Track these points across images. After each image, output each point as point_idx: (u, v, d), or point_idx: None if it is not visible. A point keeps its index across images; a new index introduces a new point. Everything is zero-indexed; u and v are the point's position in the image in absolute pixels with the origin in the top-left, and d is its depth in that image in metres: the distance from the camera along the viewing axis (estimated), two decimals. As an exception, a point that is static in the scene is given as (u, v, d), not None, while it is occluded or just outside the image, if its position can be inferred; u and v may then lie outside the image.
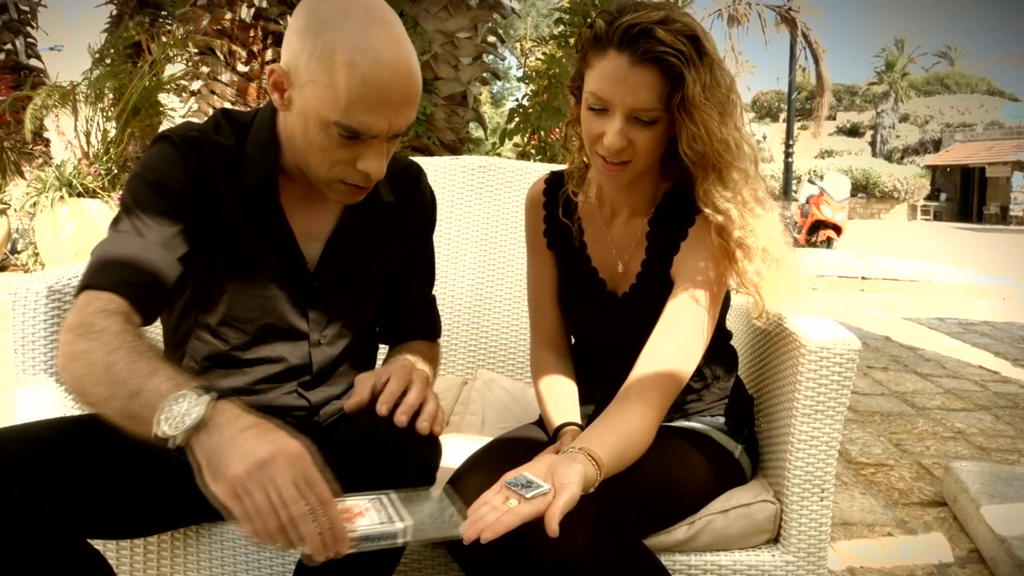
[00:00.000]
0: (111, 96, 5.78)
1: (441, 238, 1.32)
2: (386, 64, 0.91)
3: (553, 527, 0.83)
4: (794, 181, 13.79)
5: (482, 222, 1.85)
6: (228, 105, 5.35)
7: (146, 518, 1.03)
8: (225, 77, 5.54)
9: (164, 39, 5.91)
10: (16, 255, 6.12)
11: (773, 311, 1.22)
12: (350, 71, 0.90)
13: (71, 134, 5.75)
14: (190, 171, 1.01)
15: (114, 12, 8.71)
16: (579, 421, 1.19)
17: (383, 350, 1.30)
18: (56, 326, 1.15)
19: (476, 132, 7.48)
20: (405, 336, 1.25)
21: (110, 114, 5.74)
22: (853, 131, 40.98)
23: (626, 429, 1.02)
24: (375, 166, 0.98)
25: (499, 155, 6.34)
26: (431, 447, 1.02)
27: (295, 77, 0.94)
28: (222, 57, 5.54)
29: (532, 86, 6.45)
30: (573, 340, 1.34)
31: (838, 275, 7.38)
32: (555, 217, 1.29)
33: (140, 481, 0.99)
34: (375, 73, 0.90)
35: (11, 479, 0.83)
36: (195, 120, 1.13)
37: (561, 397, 1.23)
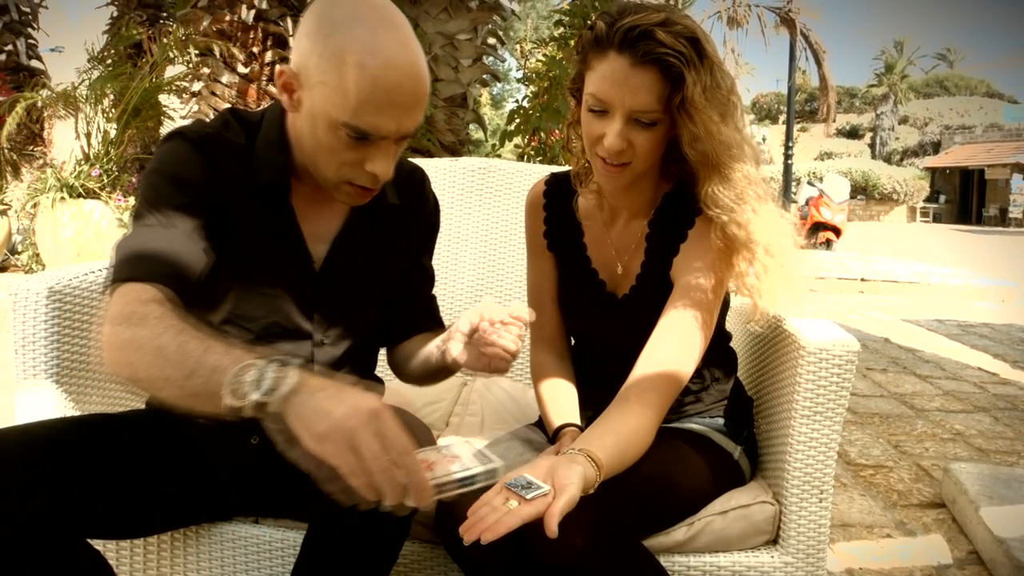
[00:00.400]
0: (111, 97, 5.78)
1: (441, 239, 1.32)
2: (395, 66, 0.92)
3: (553, 528, 0.83)
4: (793, 183, 13.80)
5: (482, 224, 1.86)
6: (228, 106, 5.34)
7: (146, 518, 1.04)
8: (225, 78, 5.54)
9: (164, 40, 5.91)
10: (16, 256, 6.12)
11: (771, 313, 1.23)
12: (360, 73, 0.90)
13: (71, 135, 5.76)
14: (206, 167, 1.02)
15: (115, 13, 8.72)
16: (579, 422, 1.19)
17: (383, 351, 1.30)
18: (57, 327, 1.15)
19: (476, 134, 7.49)
20: (407, 334, 1.25)
21: (110, 115, 5.74)
22: (852, 133, 40.99)
23: (625, 430, 1.02)
24: (383, 168, 0.98)
25: (499, 157, 6.34)
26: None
27: (305, 78, 0.95)
28: (222, 58, 5.55)
29: (532, 88, 6.46)
30: (573, 341, 1.34)
31: (837, 277, 7.38)
32: (555, 219, 1.29)
33: (140, 481, 0.99)
34: (384, 75, 0.91)
35: (11, 479, 0.84)
36: (203, 119, 1.14)
37: (561, 398, 1.23)
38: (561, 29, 6.58)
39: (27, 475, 0.85)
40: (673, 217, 1.18)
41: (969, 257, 11.79)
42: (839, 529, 2.03)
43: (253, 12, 5.52)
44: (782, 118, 33.29)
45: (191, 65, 5.72)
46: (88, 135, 5.70)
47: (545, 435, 1.23)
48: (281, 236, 1.08)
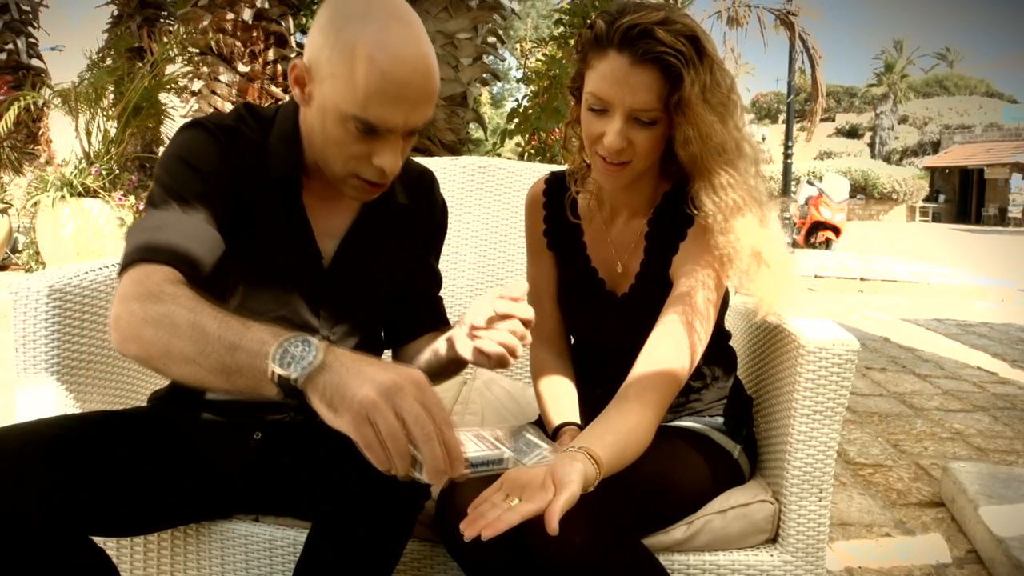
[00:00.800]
0: (111, 96, 5.79)
1: (441, 239, 1.32)
2: (405, 60, 0.93)
3: (553, 525, 0.83)
4: (793, 182, 13.79)
5: (482, 223, 1.86)
6: (229, 106, 5.35)
7: (147, 516, 1.04)
8: (226, 77, 5.54)
9: (165, 39, 5.91)
10: (17, 254, 6.12)
11: (773, 312, 1.23)
12: (369, 66, 0.91)
13: (71, 134, 5.76)
14: (223, 157, 1.03)
15: (115, 13, 8.72)
16: (578, 421, 1.19)
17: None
18: (57, 325, 1.15)
19: (476, 133, 7.49)
20: (413, 335, 1.25)
21: (110, 114, 5.75)
22: (852, 133, 41.00)
23: (625, 429, 1.03)
24: (390, 162, 0.99)
25: (499, 156, 6.34)
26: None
27: (316, 72, 0.96)
28: (221, 57, 5.55)
29: (532, 87, 6.46)
30: (572, 340, 1.34)
31: (837, 276, 7.39)
32: (555, 217, 1.29)
33: (141, 479, 1.00)
34: (394, 69, 0.92)
35: (14, 477, 0.84)
36: (219, 113, 1.15)
37: (560, 397, 1.23)
38: (561, 28, 6.58)
39: (29, 473, 0.85)
40: (673, 216, 1.18)
41: (968, 257, 11.80)
42: (838, 528, 2.03)
43: (253, 11, 5.52)
44: (782, 117, 33.28)
45: (192, 63, 5.72)
46: (88, 134, 5.70)
47: (545, 434, 1.23)
48: (291, 232, 1.09)
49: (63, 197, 5.23)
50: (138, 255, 0.94)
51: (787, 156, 12.75)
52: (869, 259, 9.58)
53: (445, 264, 1.56)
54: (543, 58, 6.54)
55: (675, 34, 1.03)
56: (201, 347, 0.81)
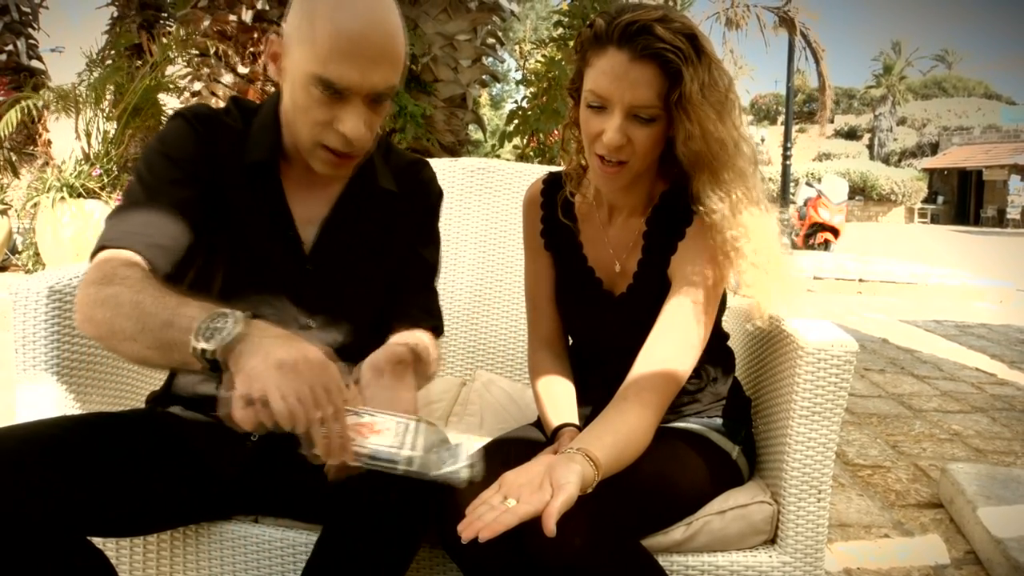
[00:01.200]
0: (111, 96, 5.78)
1: (441, 239, 1.32)
2: (360, 16, 0.95)
3: (550, 527, 0.83)
4: (792, 184, 13.81)
5: (481, 224, 1.86)
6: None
7: (146, 517, 1.04)
8: (226, 79, 5.54)
9: (164, 40, 5.91)
10: (17, 255, 6.11)
11: (771, 312, 1.23)
12: (327, 23, 0.95)
13: (71, 135, 5.75)
14: (199, 144, 1.07)
15: (115, 14, 8.72)
16: (577, 422, 1.19)
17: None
18: (57, 326, 1.15)
19: (475, 134, 7.48)
20: (394, 328, 1.20)
21: (110, 114, 5.74)
22: (851, 134, 41.00)
23: (624, 430, 1.03)
24: (352, 126, 0.99)
25: (498, 157, 6.34)
26: None
27: (287, 43, 1.00)
28: (221, 58, 5.54)
29: (531, 89, 6.45)
30: (571, 341, 1.35)
31: (835, 277, 7.38)
32: (553, 218, 1.29)
33: (140, 480, 1.00)
34: (350, 24, 0.95)
35: (12, 478, 0.84)
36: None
37: (559, 398, 1.23)
38: (560, 30, 6.58)
39: (28, 473, 0.85)
40: (671, 216, 1.18)
41: (967, 258, 11.81)
42: (837, 529, 2.03)
43: (253, 13, 5.52)
44: (781, 119, 33.32)
45: (192, 64, 5.72)
46: (88, 135, 5.69)
47: (543, 434, 1.23)
48: (271, 218, 1.10)
49: (63, 198, 5.22)
50: (103, 242, 0.99)
51: (786, 157, 12.76)
52: (868, 260, 9.58)
53: (445, 265, 1.56)
54: (542, 60, 6.54)
55: (674, 31, 1.03)
56: (141, 325, 0.86)
